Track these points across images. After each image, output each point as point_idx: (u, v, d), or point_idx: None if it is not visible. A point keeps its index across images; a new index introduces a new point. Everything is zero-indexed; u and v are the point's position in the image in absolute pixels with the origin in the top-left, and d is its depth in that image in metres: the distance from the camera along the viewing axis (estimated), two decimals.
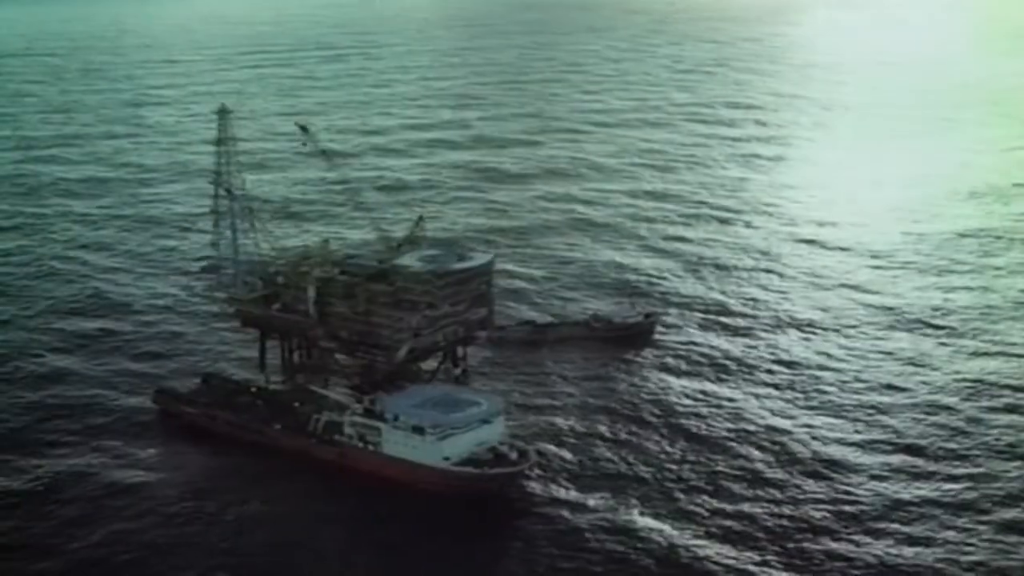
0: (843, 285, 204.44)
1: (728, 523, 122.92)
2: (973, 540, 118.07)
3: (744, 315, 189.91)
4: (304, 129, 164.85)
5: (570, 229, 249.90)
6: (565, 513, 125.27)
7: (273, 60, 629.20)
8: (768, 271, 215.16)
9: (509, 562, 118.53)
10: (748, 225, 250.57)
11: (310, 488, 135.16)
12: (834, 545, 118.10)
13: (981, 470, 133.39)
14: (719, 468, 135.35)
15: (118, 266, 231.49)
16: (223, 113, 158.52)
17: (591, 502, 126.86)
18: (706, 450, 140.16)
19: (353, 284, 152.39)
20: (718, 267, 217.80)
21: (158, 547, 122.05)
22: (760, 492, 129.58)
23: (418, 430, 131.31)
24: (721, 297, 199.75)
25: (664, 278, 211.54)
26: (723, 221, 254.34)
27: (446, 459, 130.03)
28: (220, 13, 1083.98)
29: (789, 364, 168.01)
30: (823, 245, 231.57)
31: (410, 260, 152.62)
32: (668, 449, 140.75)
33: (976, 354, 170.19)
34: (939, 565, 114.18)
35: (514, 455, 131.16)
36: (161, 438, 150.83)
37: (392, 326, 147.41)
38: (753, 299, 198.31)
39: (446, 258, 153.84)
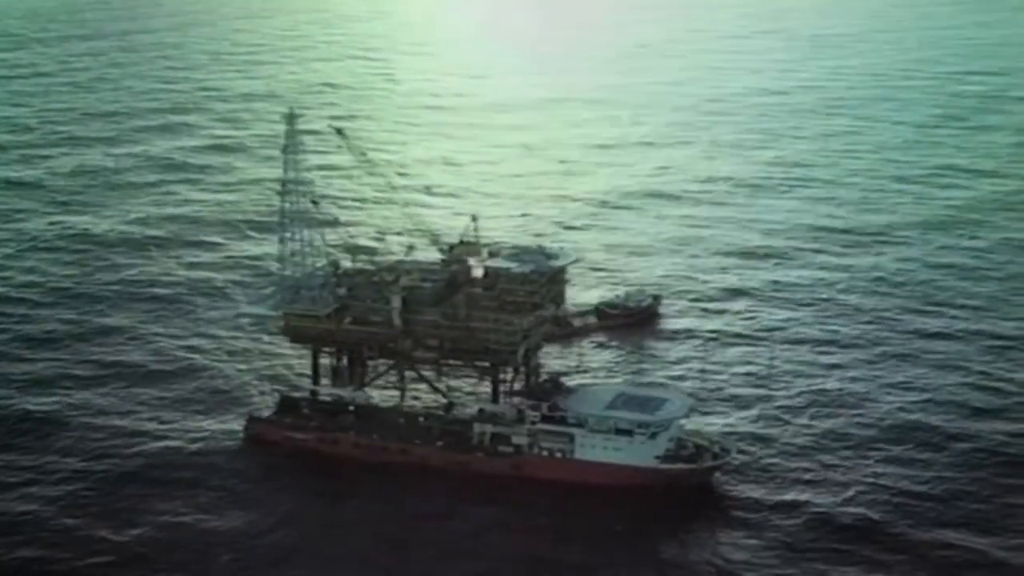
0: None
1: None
2: None
3: None
4: (340, 132, 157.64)
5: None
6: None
7: None
8: None
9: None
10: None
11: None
12: None
13: None
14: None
15: None
16: (291, 118, 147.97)
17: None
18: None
19: (446, 291, 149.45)
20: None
21: None
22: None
23: (623, 432, 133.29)
24: None
25: None
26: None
27: (656, 458, 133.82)
28: None
29: None
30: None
31: (501, 262, 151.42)
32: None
33: None
34: None
35: (716, 448, 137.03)
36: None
37: (501, 330, 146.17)
38: None
39: (535, 258, 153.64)
